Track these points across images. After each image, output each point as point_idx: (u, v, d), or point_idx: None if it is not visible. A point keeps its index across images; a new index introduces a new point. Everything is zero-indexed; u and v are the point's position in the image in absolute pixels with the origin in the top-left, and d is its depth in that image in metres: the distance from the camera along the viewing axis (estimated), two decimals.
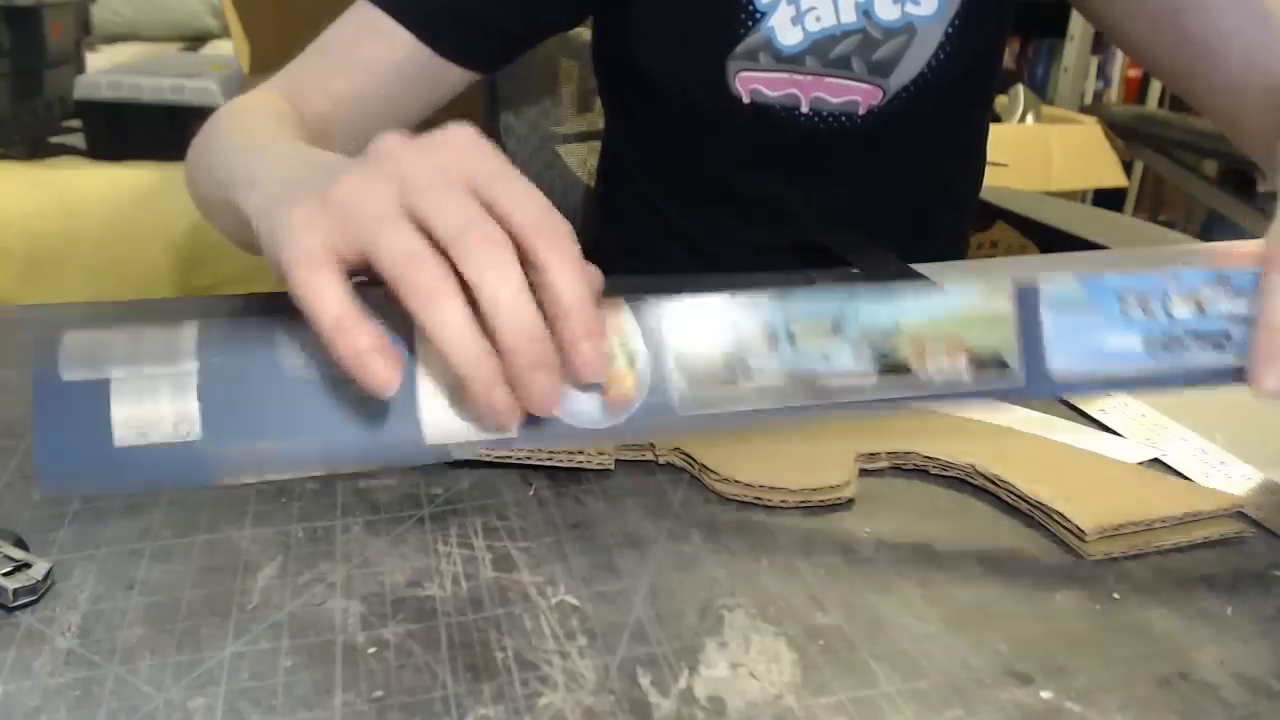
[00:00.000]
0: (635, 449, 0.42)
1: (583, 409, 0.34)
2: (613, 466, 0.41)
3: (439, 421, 0.34)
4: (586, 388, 0.33)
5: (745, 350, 0.34)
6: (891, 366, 0.34)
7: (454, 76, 0.63)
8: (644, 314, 0.34)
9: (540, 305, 0.31)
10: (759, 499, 0.39)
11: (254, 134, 0.52)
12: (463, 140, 0.34)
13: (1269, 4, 0.61)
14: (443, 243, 0.31)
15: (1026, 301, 0.34)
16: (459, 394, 0.33)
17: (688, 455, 0.41)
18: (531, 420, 0.33)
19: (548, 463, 0.41)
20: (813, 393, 0.34)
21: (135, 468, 0.33)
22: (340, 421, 0.33)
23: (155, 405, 0.33)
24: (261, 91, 0.61)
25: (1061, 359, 0.35)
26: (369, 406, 0.33)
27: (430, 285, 0.30)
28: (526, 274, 0.31)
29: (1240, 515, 0.38)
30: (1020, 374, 0.35)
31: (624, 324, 0.34)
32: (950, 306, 0.34)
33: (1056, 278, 0.35)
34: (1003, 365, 0.35)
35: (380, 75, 0.61)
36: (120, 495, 0.37)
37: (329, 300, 0.31)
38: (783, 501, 0.39)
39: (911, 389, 0.35)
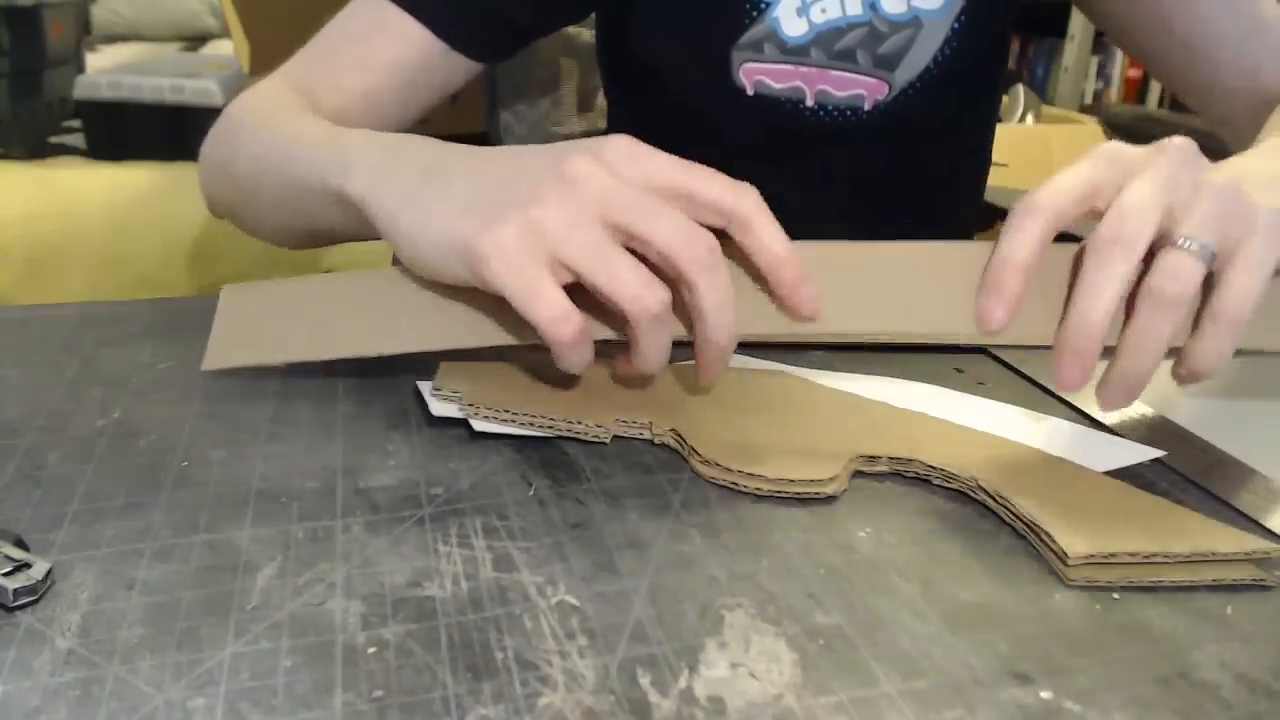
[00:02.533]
0: (632, 425, 0.42)
1: None
2: (608, 440, 0.42)
3: None
4: None
5: None
6: None
7: (463, 69, 0.63)
8: None
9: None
10: (736, 484, 0.39)
11: (306, 123, 0.53)
12: (628, 147, 0.39)
13: (1262, 13, 0.61)
14: (658, 259, 0.37)
15: None
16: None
17: (680, 436, 0.42)
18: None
19: (546, 433, 0.42)
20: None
21: None
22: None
23: None
24: (274, 86, 0.61)
25: None
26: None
27: (650, 316, 0.37)
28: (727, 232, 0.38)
29: (1261, 562, 0.36)
30: None
31: None
32: None
33: None
34: None
35: (392, 71, 0.61)
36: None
37: (556, 310, 0.37)
38: (758, 489, 0.39)
39: None
